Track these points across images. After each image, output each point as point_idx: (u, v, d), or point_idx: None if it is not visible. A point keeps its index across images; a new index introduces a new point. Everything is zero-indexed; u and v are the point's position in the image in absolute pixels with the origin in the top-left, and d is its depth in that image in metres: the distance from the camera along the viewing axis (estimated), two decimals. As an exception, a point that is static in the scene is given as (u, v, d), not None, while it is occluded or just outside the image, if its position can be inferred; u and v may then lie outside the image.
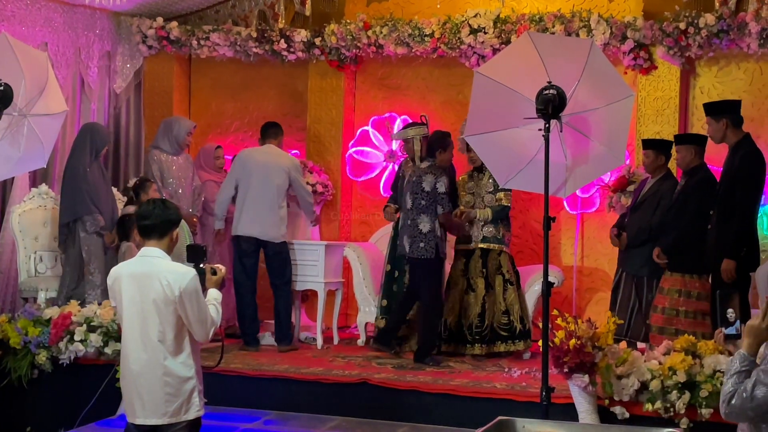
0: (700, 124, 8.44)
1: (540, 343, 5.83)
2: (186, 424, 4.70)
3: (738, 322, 3.63)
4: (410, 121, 9.00)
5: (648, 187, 7.74)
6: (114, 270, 4.78)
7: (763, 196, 8.45)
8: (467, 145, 7.54)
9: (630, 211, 7.86)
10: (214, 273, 4.85)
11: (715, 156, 7.67)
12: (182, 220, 7.84)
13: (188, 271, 4.62)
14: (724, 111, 7.03)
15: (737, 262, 6.76)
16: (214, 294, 4.82)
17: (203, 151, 9.17)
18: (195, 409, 4.72)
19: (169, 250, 4.71)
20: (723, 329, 3.67)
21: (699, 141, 7.49)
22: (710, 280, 7.15)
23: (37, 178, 8.88)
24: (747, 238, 6.87)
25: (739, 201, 6.82)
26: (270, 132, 8.56)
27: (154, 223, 4.67)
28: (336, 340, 8.73)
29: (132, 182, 8.89)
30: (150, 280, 4.59)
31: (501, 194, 8.07)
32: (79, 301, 7.55)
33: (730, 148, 7.04)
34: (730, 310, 3.63)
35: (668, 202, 7.51)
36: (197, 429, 4.81)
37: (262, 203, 8.24)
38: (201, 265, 4.80)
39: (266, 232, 8.26)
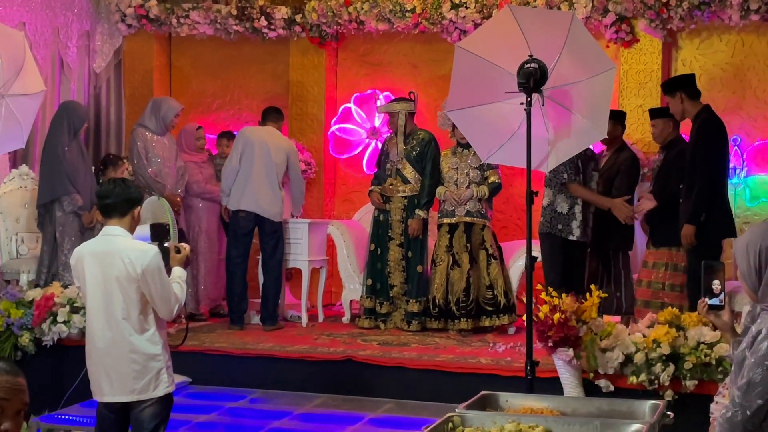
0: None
1: (524, 317, 5.84)
2: (155, 400, 4.72)
3: (723, 293, 3.64)
4: (393, 97, 8.97)
5: (605, 159, 7.75)
6: (77, 250, 4.83)
7: (745, 168, 8.51)
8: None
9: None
10: (178, 251, 4.88)
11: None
12: (165, 200, 7.85)
13: (150, 249, 4.65)
14: (678, 86, 7.02)
15: (706, 229, 6.77)
16: (178, 272, 4.85)
17: (184, 131, 9.10)
18: (164, 386, 4.74)
19: (131, 229, 4.75)
20: (707, 300, 3.67)
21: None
22: (686, 253, 7.14)
23: (17, 159, 8.82)
24: (708, 204, 6.85)
25: (698, 168, 6.81)
26: (271, 116, 8.56)
27: (115, 201, 4.70)
28: (321, 318, 8.73)
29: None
30: (112, 258, 4.62)
31: (489, 172, 8.05)
32: (61, 283, 7.51)
33: (692, 120, 7.02)
34: (716, 282, 3.63)
35: (626, 171, 7.60)
36: (169, 405, 4.83)
37: (263, 180, 8.23)
38: (165, 244, 4.84)
39: (267, 209, 8.25)
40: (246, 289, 8.35)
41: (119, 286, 4.63)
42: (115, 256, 4.61)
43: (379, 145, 9.11)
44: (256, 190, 8.23)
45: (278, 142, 8.39)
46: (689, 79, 7.13)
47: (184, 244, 4.98)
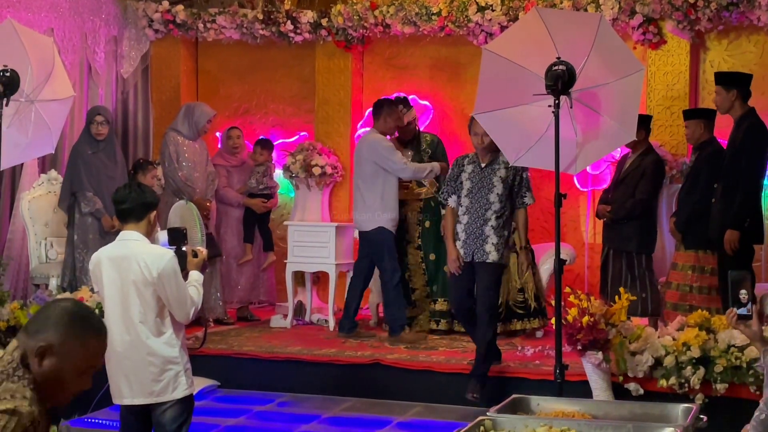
0: (710, 98, 8.37)
1: (553, 321, 5.82)
2: (176, 402, 4.77)
3: (750, 303, 3.62)
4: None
5: (629, 162, 7.72)
6: (94, 255, 4.90)
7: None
8: None
9: (613, 187, 7.84)
10: (195, 255, 4.92)
11: (726, 130, 7.62)
12: (193, 205, 7.89)
13: (165, 253, 4.70)
14: (736, 82, 7.00)
15: (741, 233, 6.74)
16: (195, 275, 4.90)
17: (223, 134, 9.20)
18: (183, 388, 4.78)
19: (148, 233, 4.80)
20: (735, 310, 3.65)
21: (708, 115, 7.47)
22: (717, 255, 7.12)
23: (45, 164, 8.89)
24: (751, 209, 6.84)
25: (743, 172, 6.79)
26: (373, 115, 8.20)
27: (131, 206, 4.76)
28: (348, 322, 8.72)
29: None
30: (128, 262, 4.67)
31: None
32: (89, 287, 7.55)
33: (735, 121, 7.01)
34: (743, 291, 3.62)
35: (650, 175, 7.55)
36: (190, 407, 4.87)
37: (357, 190, 8.13)
38: (182, 248, 4.88)
39: (356, 219, 8.12)
40: (355, 300, 8.07)
41: (136, 290, 4.68)
42: (132, 261, 4.67)
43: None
44: (354, 202, 8.22)
45: (365, 146, 8.06)
46: (747, 79, 7.09)
47: (201, 248, 5.05)
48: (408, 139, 8.33)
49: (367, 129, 8.34)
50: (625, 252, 7.59)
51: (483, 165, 6.67)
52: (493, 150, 6.58)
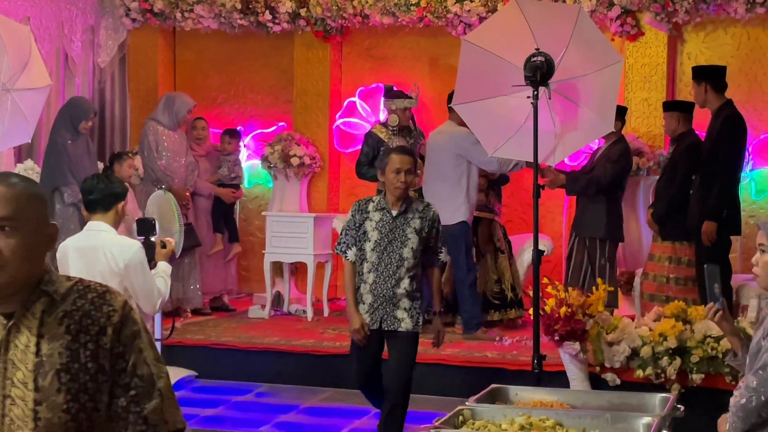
0: (687, 90, 8.44)
1: (531, 311, 5.84)
2: None
3: (721, 298, 3.64)
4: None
5: (601, 152, 7.77)
6: (62, 245, 4.88)
7: (750, 162, 8.52)
8: None
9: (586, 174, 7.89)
10: (164, 246, 4.91)
11: (705, 122, 7.67)
12: (171, 195, 7.88)
13: (133, 244, 4.72)
14: (706, 76, 7.07)
15: (718, 225, 6.80)
16: (163, 266, 4.92)
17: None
18: None
19: (116, 224, 4.80)
20: (716, 305, 3.66)
21: (684, 107, 7.52)
22: (694, 246, 7.17)
23: (22, 154, 8.81)
24: (728, 201, 6.91)
25: (721, 164, 6.85)
26: (449, 107, 7.89)
27: (99, 197, 4.76)
28: (326, 312, 8.72)
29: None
30: (95, 252, 4.67)
31: None
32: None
33: (712, 113, 7.07)
34: (716, 285, 3.63)
35: (613, 159, 7.56)
36: None
37: (429, 185, 7.77)
38: (151, 239, 4.92)
39: None
40: (462, 298, 7.72)
41: (103, 281, 4.63)
42: (99, 251, 4.67)
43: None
44: (429, 197, 7.84)
45: (444, 141, 7.71)
46: (718, 71, 7.15)
47: (169, 239, 5.08)
48: (404, 126, 8.28)
49: (446, 122, 7.93)
50: (588, 240, 7.61)
51: (394, 213, 5.42)
52: (406, 196, 5.48)
